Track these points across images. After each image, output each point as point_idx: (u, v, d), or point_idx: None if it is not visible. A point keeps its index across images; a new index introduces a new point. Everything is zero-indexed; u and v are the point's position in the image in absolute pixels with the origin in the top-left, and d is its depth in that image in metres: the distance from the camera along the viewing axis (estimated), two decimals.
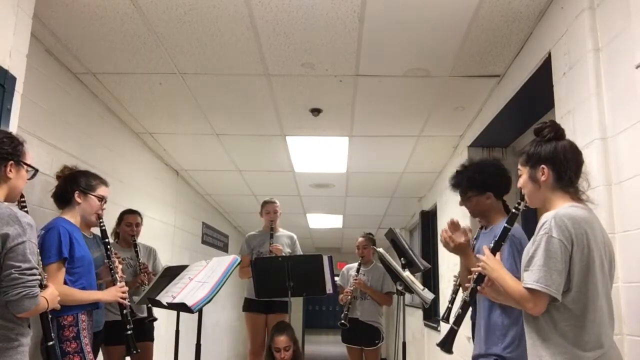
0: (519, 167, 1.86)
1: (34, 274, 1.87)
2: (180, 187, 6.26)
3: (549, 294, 1.59)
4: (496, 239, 1.93)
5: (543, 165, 1.75)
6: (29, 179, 2.08)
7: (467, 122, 4.29)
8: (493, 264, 1.80)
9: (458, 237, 2.38)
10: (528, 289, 1.62)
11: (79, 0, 2.67)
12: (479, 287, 1.91)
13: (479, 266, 1.87)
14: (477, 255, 1.91)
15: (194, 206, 7.02)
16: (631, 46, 1.99)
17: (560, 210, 1.67)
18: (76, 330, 2.45)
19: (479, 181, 2.41)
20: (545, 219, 1.65)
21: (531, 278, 1.61)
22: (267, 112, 4.15)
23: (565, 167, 1.74)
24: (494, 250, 1.87)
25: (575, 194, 1.76)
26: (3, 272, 1.81)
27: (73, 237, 2.51)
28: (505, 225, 1.92)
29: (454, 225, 2.42)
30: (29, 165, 2.05)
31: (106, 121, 4.09)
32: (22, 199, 2.29)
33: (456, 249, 2.38)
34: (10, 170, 1.95)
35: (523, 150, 1.86)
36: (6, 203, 1.94)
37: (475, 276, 1.92)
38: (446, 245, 2.41)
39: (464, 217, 2.96)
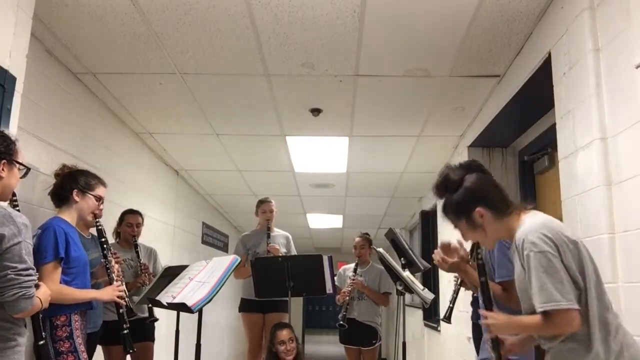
0: (455, 227, 1.81)
1: (30, 275, 1.87)
2: (180, 187, 6.26)
3: (568, 308, 1.49)
4: (480, 301, 1.88)
5: (476, 209, 1.71)
6: (21, 178, 2.07)
7: (467, 122, 4.29)
8: (500, 321, 1.71)
9: (451, 257, 2.36)
10: (543, 313, 1.52)
11: (79, 0, 2.68)
12: (502, 352, 1.81)
13: (490, 334, 1.78)
14: (480, 322, 1.83)
15: (194, 206, 7.02)
16: (631, 46, 1.99)
17: (526, 226, 1.63)
18: (69, 330, 2.45)
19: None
20: (519, 240, 1.60)
21: (540, 301, 1.52)
22: (267, 112, 4.15)
23: (492, 196, 1.72)
24: (488, 309, 1.80)
25: (518, 210, 1.73)
26: None
27: (69, 237, 2.50)
28: (481, 280, 1.88)
29: (444, 247, 2.39)
30: (21, 164, 2.04)
31: (106, 121, 4.09)
32: (13, 198, 2.29)
33: (451, 268, 2.36)
34: (3, 169, 1.94)
35: (444, 211, 1.81)
36: (0, 203, 1.94)
37: (491, 344, 1.82)
38: (441, 266, 2.38)
39: None
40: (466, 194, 1.73)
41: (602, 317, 1.56)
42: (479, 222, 1.72)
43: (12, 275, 1.81)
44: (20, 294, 1.82)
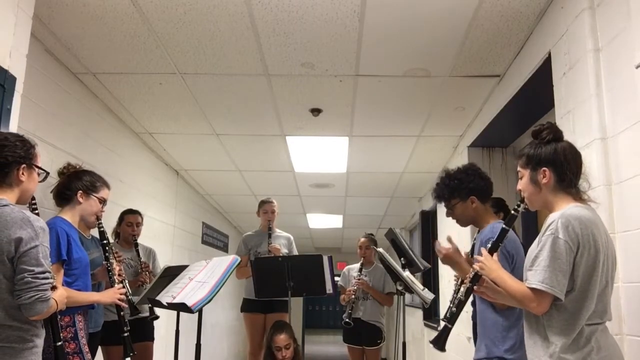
0: (519, 169, 1.84)
1: (47, 278, 1.88)
2: (180, 187, 6.26)
3: (553, 294, 1.59)
4: (493, 239, 1.91)
5: (544, 168, 1.74)
6: (40, 182, 2.09)
7: (467, 122, 4.29)
8: (491, 265, 1.79)
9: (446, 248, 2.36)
10: (532, 288, 1.61)
11: (79, 0, 2.68)
12: (475, 287, 1.90)
13: (476, 266, 1.86)
14: (475, 256, 1.90)
15: (194, 206, 7.02)
16: (631, 46, 1.99)
17: (566, 210, 1.66)
18: (74, 331, 2.45)
19: (461, 187, 2.38)
20: (552, 219, 1.65)
21: (536, 278, 1.61)
22: (267, 112, 4.15)
23: (566, 169, 1.73)
24: (491, 251, 1.86)
25: (577, 195, 1.75)
26: (16, 275, 1.83)
27: (71, 239, 2.50)
28: (503, 226, 1.90)
29: (448, 239, 2.41)
30: (40, 168, 2.07)
31: (106, 121, 4.09)
32: (33, 202, 2.30)
33: (444, 259, 2.36)
34: (23, 174, 1.96)
35: (522, 152, 1.85)
36: (18, 206, 1.94)
37: (471, 275, 1.91)
38: (439, 255, 2.41)
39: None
40: (549, 151, 1.76)
41: (577, 319, 1.61)
42: (540, 179, 1.75)
43: (29, 279, 1.82)
44: (36, 296, 1.83)
